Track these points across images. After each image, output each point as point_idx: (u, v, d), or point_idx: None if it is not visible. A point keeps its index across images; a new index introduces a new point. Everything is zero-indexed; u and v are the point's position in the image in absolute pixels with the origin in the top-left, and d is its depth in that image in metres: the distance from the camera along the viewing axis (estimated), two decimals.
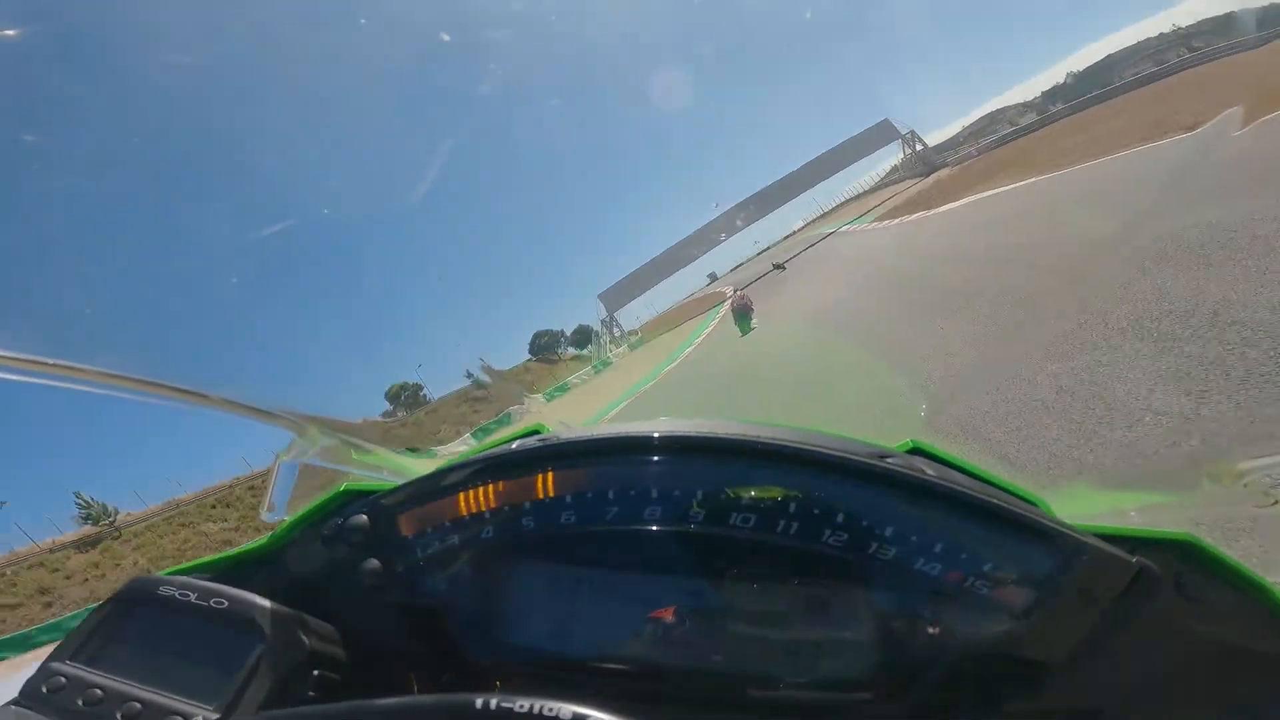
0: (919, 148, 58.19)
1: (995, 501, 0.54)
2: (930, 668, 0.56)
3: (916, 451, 0.65)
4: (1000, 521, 0.54)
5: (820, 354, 10.64)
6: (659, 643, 0.60)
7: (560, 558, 0.61)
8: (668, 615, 0.60)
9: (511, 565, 0.62)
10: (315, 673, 0.56)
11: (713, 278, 65.43)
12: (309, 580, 0.64)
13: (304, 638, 0.57)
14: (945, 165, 47.34)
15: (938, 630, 0.56)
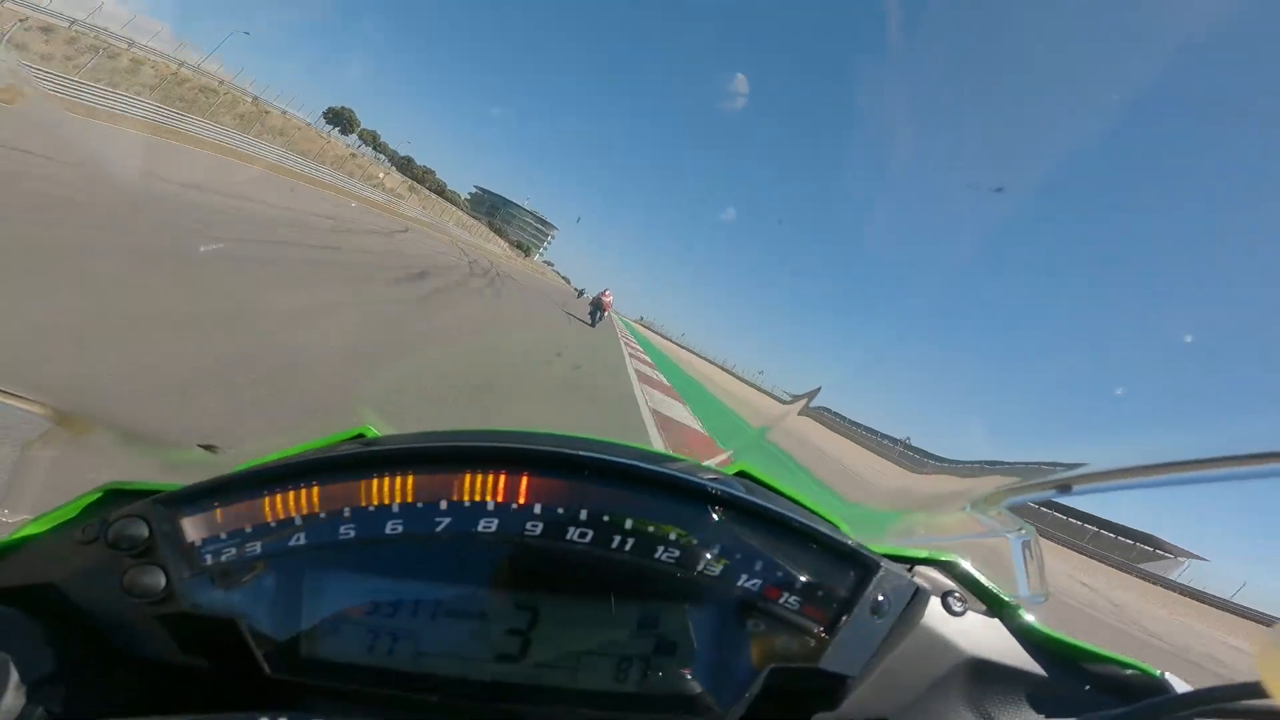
0: None
1: (808, 524, 0.59)
2: (750, 683, 0.59)
3: (741, 474, 0.69)
4: (811, 542, 0.59)
5: None
6: (480, 659, 0.57)
7: (381, 568, 0.57)
8: (492, 630, 0.58)
9: (323, 575, 0.57)
10: (65, 688, 0.48)
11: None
12: (61, 587, 0.54)
13: (52, 649, 0.49)
14: None
15: (757, 646, 0.60)
